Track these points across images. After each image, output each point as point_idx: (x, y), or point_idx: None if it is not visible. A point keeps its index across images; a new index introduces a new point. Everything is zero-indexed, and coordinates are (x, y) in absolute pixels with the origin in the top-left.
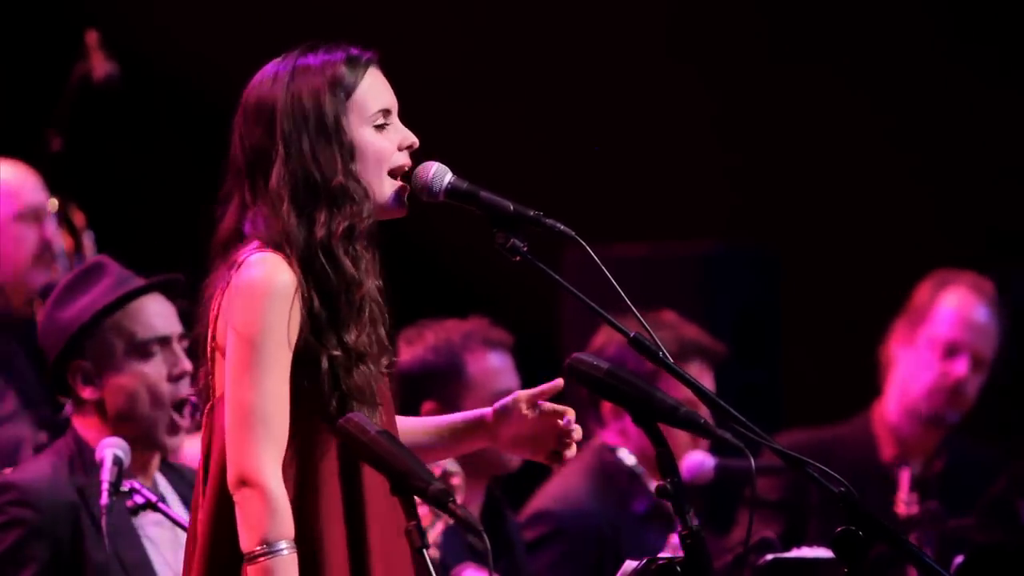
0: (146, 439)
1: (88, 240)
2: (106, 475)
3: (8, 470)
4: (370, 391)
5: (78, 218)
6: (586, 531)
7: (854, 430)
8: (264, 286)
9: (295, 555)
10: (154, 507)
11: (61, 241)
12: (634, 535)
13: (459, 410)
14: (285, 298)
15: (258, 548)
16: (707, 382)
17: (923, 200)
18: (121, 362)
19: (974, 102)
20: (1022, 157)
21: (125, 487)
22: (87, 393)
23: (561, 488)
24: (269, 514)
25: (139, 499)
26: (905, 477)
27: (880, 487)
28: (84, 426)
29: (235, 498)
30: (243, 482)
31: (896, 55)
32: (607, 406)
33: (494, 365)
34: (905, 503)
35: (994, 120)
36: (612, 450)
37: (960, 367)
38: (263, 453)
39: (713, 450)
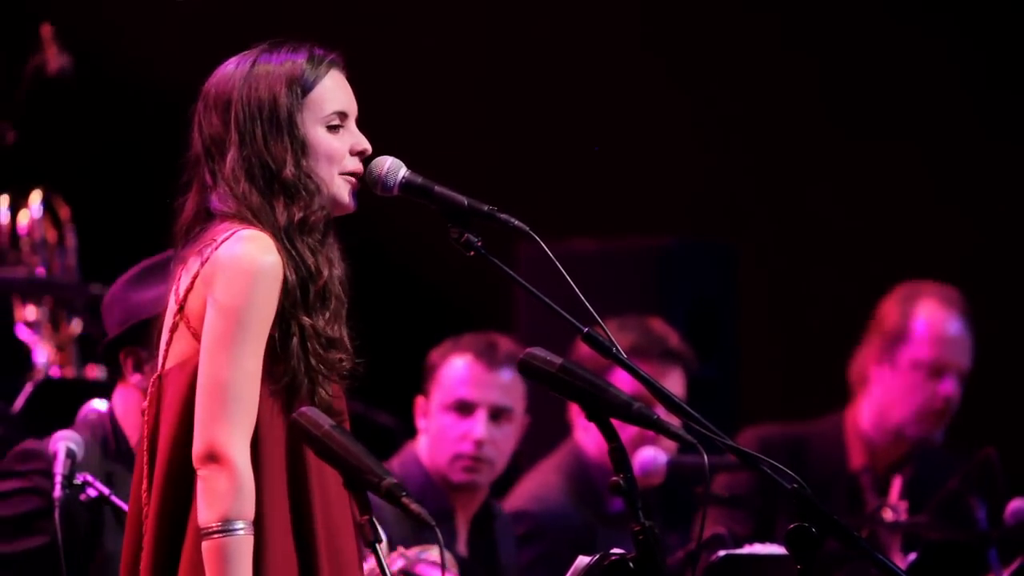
0: None
1: (71, 234)
2: (59, 468)
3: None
4: (341, 367)
5: (63, 211)
6: (564, 532)
7: (825, 432)
8: (255, 263)
9: (251, 537)
10: (107, 500)
11: (43, 232)
12: (609, 535)
13: (433, 403)
14: (273, 278)
15: (215, 525)
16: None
17: (882, 196)
18: None
19: (931, 98)
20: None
21: (78, 480)
22: (135, 379)
23: (538, 488)
24: (233, 492)
25: (92, 492)
26: (897, 484)
27: (847, 493)
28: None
29: (200, 472)
30: (211, 457)
31: (856, 52)
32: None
33: (455, 373)
34: (892, 509)
35: (953, 118)
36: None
37: (948, 386)
38: (234, 430)
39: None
